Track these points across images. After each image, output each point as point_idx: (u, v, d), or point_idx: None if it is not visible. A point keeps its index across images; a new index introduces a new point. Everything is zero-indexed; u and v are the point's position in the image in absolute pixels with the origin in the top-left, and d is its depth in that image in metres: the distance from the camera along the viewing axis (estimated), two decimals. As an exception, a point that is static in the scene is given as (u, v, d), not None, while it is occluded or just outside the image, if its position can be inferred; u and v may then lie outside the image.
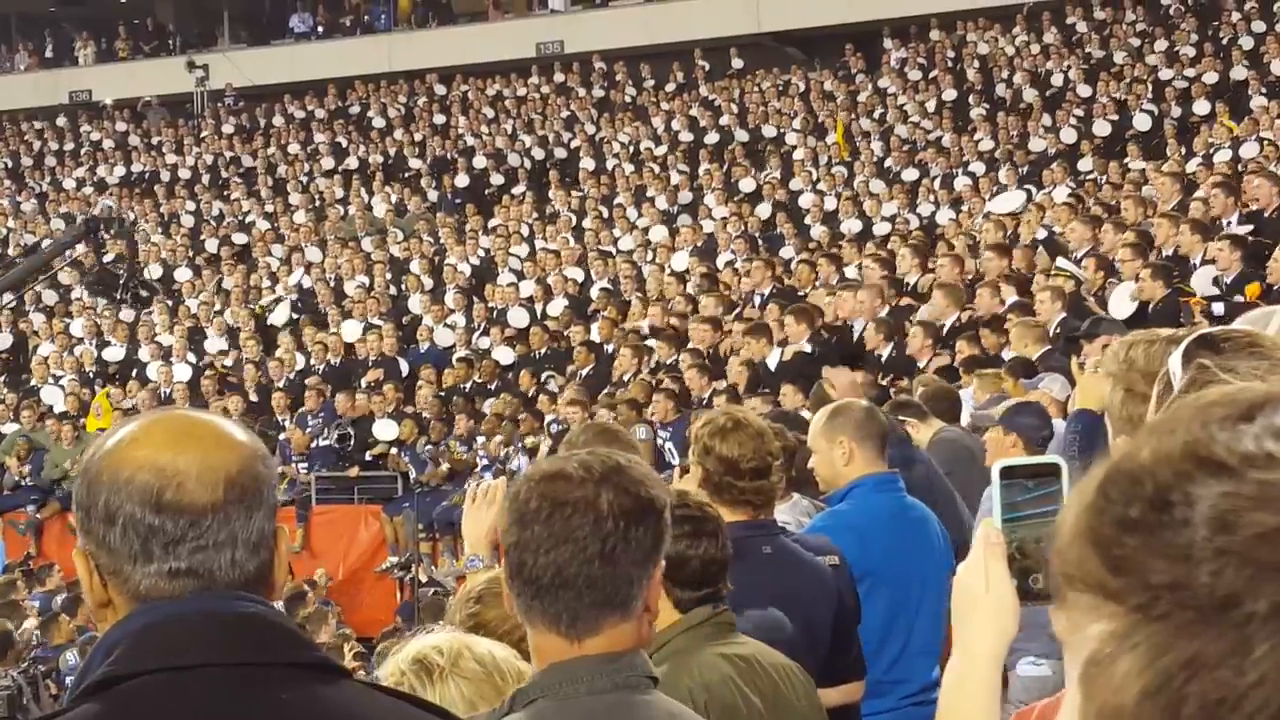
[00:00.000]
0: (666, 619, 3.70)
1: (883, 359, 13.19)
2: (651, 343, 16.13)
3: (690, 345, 15.29)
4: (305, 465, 17.49)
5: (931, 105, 24.88)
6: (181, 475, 1.89)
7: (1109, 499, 0.96)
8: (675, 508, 3.71)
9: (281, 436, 17.36)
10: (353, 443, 17.39)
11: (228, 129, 31.35)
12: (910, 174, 22.48)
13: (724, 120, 26.40)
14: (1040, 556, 1.80)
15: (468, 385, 17.78)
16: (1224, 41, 24.36)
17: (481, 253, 22.31)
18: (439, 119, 29.41)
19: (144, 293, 26.37)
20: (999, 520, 1.82)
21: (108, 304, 25.09)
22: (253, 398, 18.69)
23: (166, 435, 1.94)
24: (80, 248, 27.51)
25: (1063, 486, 1.81)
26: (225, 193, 28.35)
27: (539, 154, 27.07)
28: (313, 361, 19.43)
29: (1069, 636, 1.85)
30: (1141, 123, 22.04)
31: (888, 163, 23.23)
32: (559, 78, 30.23)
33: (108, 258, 24.49)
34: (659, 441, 13.64)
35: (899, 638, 5.45)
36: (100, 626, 1.95)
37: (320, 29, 36.20)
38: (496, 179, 26.43)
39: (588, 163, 25.95)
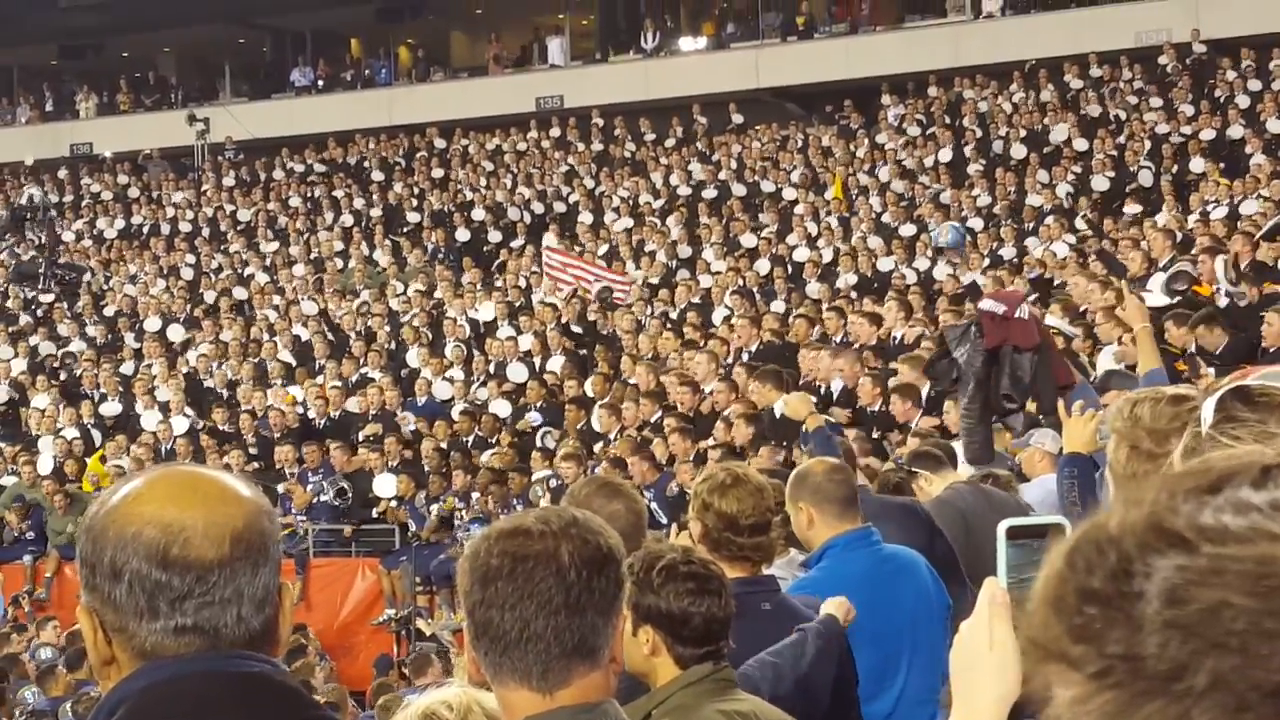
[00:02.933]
0: (667, 675, 3.70)
1: (875, 413, 13.21)
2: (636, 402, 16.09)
3: (673, 406, 15.25)
4: (304, 518, 17.46)
5: (929, 161, 24.98)
6: (188, 531, 1.89)
7: (1074, 568, 0.98)
8: (680, 564, 3.72)
9: (281, 488, 17.34)
10: (350, 498, 17.36)
11: (228, 182, 31.45)
12: (908, 229, 22.53)
13: (722, 175, 26.49)
14: None
15: (469, 439, 17.75)
16: (1220, 100, 24.51)
17: (480, 306, 22.33)
18: (438, 172, 29.52)
19: (69, 275, 26.98)
20: (1004, 580, 1.83)
21: (32, 292, 25.82)
22: (252, 450, 18.63)
23: (172, 491, 1.94)
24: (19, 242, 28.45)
25: None
26: (225, 245, 28.40)
27: (538, 208, 27.14)
28: (312, 414, 19.41)
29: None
30: (1145, 179, 22.10)
31: (885, 218, 23.29)
32: (557, 132, 30.37)
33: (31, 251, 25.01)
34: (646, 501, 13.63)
35: (890, 693, 5.41)
36: (103, 685, 1.93)
37: (320, 83, 36.40)
38: (495, 234, 26.47)
39: (586, 217, 26.02)
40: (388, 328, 21.98)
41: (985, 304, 8.45)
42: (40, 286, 26.86)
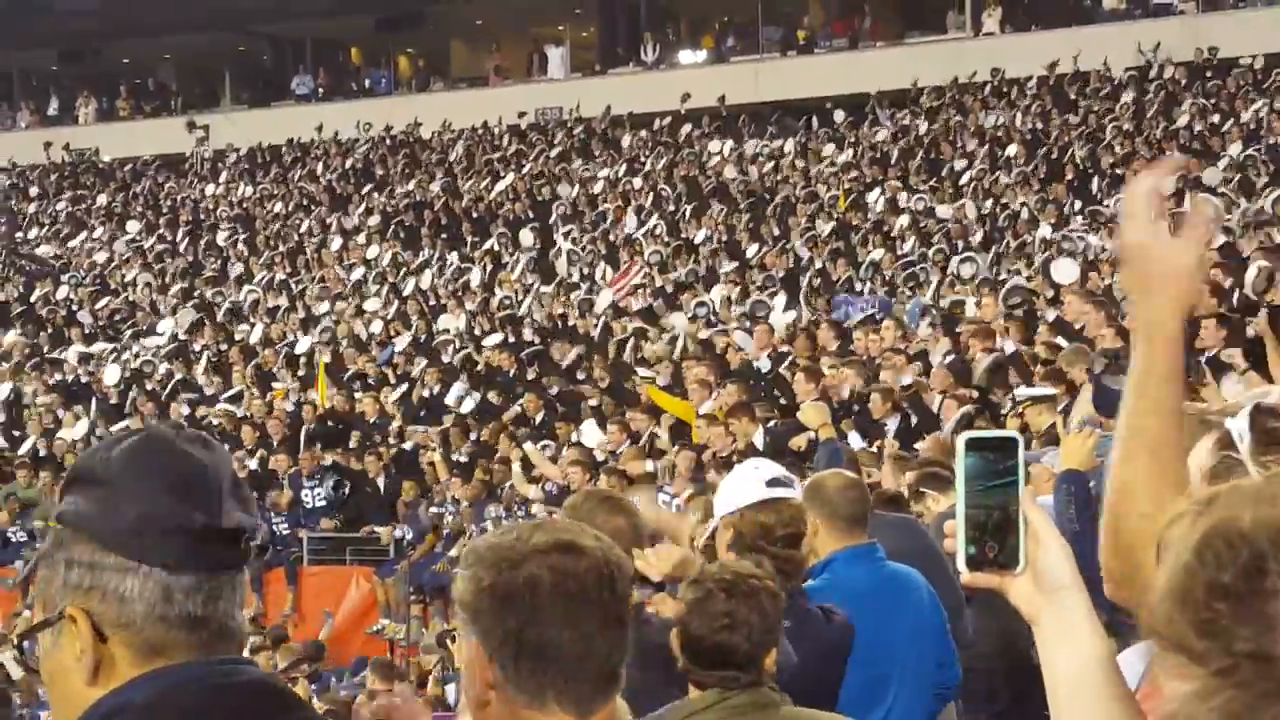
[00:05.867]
0: (693, 693, 3.77)
1: (889, 429, 13.21)
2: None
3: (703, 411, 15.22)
4: (286, 525, 17.39)
5: (927, 174, 24.90)
6: None
7: (1203, 562, 0.96)
8: (715, 581, 3.74)
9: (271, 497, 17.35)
10: (347, 492, 17.37)
11: (227, 188, 31.46)
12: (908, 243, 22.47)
13: (722, 184, 26.45)
14: (995, 526, 1.85)
15: (468, 448, 17.65)
16: (1223, 116, 24.49)
17: (477, 308, 22.36)
18: (440, 178, 29.49)
19: (30, 265, 27.21)
20: (961, 489, 1.87)
21: None
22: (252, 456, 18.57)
23: None
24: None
25: (1019, 460, 1.87)
26: (223, 250, 28.39)
27: (540, 213, 27.05)
28: (304, 420, 19.31)
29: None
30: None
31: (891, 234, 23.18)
32: (558, 141, 30.36)
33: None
34: (668, 499, 13.67)
35: (877, 713, 5.37)
36: (83, 693, 1.85)
37: (321, 91, 36.45)
38: (498, 237, 26.32)
39: (587, 224, 25.96)
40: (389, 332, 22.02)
41: None
42: (1, 274, 27.30)
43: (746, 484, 4.53)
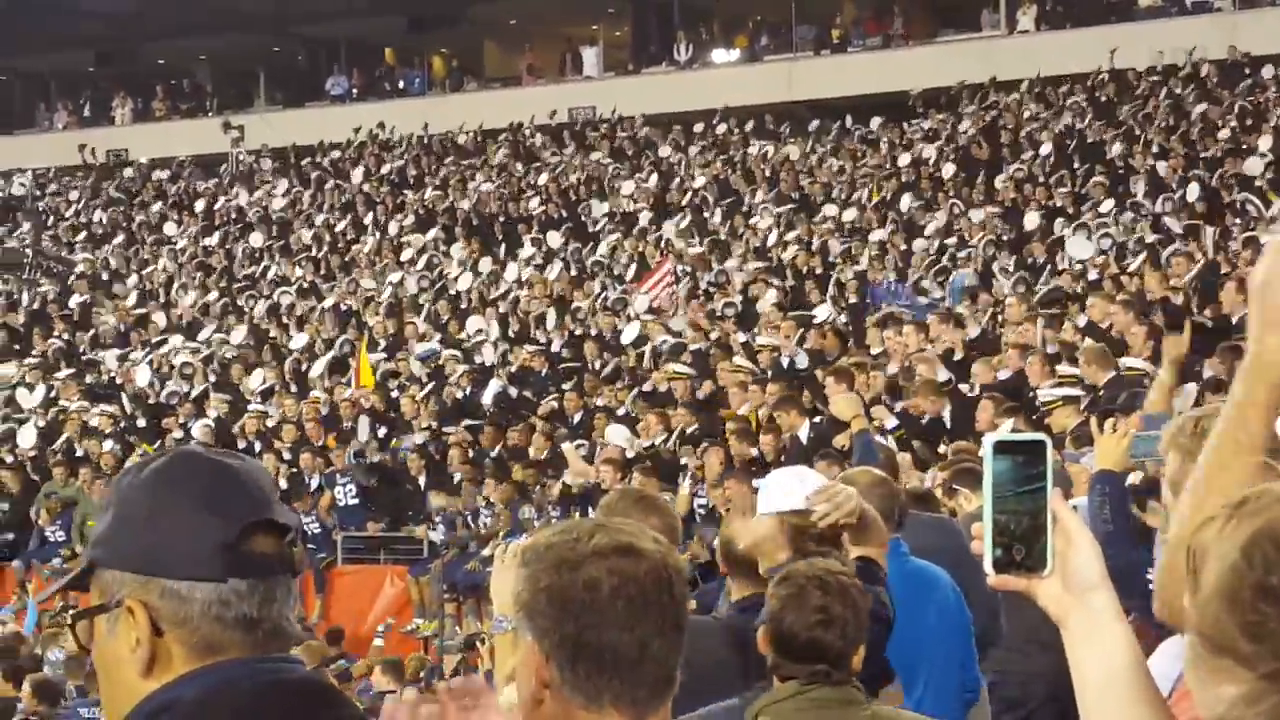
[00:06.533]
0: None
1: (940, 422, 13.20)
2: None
3: (734, 412, 15.17)
4: (318, 526, 17.41)
5: (962, 174, 24.79)
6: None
7: (1251, 564, 0.95)
8: (807, 577, 3.78)
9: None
10: (378, 481, 17.43)
11: (262, 189, 31.56)
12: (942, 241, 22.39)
13: (755, 184, 26.41)
14: (1023, 529, 1.86)
15: (498, 449, 17.68)
16: (1260, 114, 24.33)
17: (509, 306, 22.39)
18: (473, 179, 29.53)
19: (57, 267, 27.31)
20: (989, 492, 1.88)
21: (17, 281, 26.35)
22: (286, 456, 18.62)
23: None
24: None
25: (1047, 465, 1.88)
26: (259, 251, 28.48)
27: (572, 213, 27.07)
28: (343, 418, 19.35)
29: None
30: (1192, 193, 21.77)
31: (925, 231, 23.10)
32: (591, 141, 30.36)
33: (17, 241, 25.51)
34: (698, 498, 13.72)
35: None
36: (135, 685, 1.89)
37: (355, 91, 36.57)
38: (530, 237, 26.35)
39: (621, 223, 25.96)
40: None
41: None
42: (25, 276, 27.39)
43: (789, 492, 4.52)
